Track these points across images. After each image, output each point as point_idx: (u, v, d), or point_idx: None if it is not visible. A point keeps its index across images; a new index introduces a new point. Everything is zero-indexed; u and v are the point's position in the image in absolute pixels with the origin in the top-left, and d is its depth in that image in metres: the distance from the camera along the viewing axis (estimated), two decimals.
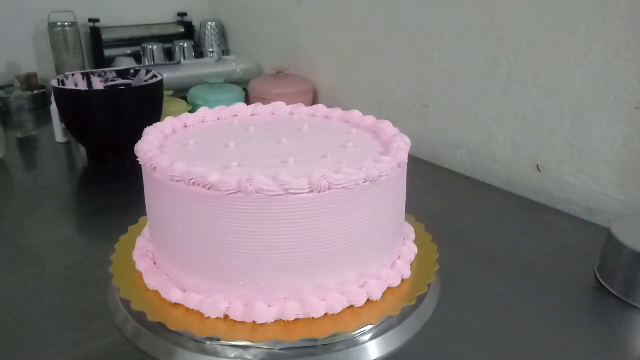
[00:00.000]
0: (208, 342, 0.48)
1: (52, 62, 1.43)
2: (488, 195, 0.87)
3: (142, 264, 0.56)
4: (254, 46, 1.56)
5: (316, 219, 0.47)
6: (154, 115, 1.00)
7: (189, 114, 0.66)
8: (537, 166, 0.86)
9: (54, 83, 0.96)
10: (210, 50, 1.62)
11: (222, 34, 1.64)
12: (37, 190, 0.90)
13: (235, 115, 0.69)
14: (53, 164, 1.03)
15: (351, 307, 0.51)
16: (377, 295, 0.52)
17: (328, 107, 0.70)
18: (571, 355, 0.51)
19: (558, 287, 0.61)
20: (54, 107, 1.05)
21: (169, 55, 1.57)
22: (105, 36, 1.48)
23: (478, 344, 0.52)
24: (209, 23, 1.61)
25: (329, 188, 0.47)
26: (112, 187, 0.89)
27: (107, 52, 1.50)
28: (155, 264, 0.56)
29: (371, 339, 0.50)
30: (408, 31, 1.04)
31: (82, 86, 1.02)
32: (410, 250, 0.59)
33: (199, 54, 1.63)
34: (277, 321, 0.49)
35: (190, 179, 0.47)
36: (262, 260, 0.48)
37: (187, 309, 0.50)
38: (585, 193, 0.81)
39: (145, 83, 1.01)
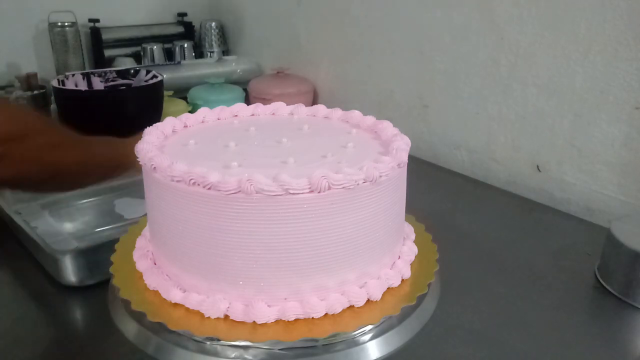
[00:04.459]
0: (208, 342, 0.48)
1: (52, 62, 1.42)
2: (488, 195, 0.87)
3: (142, 264, 0.56)
4: (254, 46, 1.56)
5: (316, 219, 0.47)
6: (154, 115, 1.00)
7: (189, 114, 0.66)
8: (537, 166, 0.86)
9: (54, 83, 0.96)
10: (210, 50, 1.62)
11: (222, 34, 1.64)
12: None
13: (235, 115, 0.69)
14: None
15: (351, 307, 0.51)
16: (377, 295, 0.52)
17: (328, 107, 0.70)
18: (571, 355, 0.51)
19: (558, 287, 0.61)
20: (54, 107, 1.05)
21: (169, 55, 1.57)
22: (105, 36, 1.48)
23: (478, 344, 0.52)
24: (209, 23, 1.61)
25: (329, 188, 0.47)
26: None
27: (107, 52, 1.49)
28: (155, 264, 0.56)
29: (371, 339, 0.50)
30: (408, 31, 1.04)
31: (82, 86, 1.02)
32: (410, 250, 0.59)
33: (199, 54, 1.63)
34: (277, 321, 0.49)
35: (190, 179, 0.47)
36: (262, 260, 0.48)
37: (187, 309, 0.50)
38: (585, 193, 0.81)
39: (145, 83, 1.01)
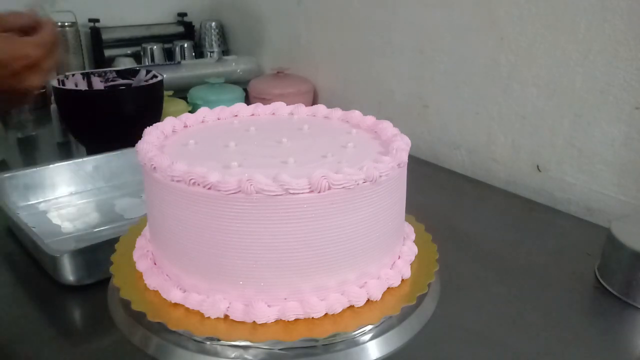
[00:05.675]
0: (208, 342, 0.48)
1: None
2: (488, 195, 0.87)
3: (142, 264, 0.56)
4: (254, 46, 1.56)
5: (316, 219, 0.47)
6: (154, 115, 1.00)
7: (189, 114, 0.66)
8: (537, 166, 0.86)
9: (54, 83, 0.96)
10: (210, 50, 1.62)
11: (222, 34, 1.64)
12: None
13: (235, 115, 0.69)
14: None
15: (351, 307, 0.51)
16: (377, 295, 0.52)
17: (328, 107, 0.70)
18: (571, 355, 0.51)
19: (558, 287, 0.61)
20: (54, 107, 1.05)
21: (169, 55, 1.57)
22: (105, 36, 1.48)
23: (478, 344, 0.52)
24: (209, 23, 1.61)
25: (329, 188, 0.47)
26: None
27: (107, 52, 1.50)
28: (155, 264, 0.56)
29: (371, 339, 0.50)
30: (408, 31, 1.04)
31: (82, 86, 1.02)
32: (410, 250, 0.59)
33: (199, 54, 1.63)
34: (277, 321, 0.49)
35: (191, 179, 0.47)
36: (262, 260, 0.48)
37: (187, 309, 0.50)
38: (585, 193, 0.81)
39: (145, 83, 1.01)
